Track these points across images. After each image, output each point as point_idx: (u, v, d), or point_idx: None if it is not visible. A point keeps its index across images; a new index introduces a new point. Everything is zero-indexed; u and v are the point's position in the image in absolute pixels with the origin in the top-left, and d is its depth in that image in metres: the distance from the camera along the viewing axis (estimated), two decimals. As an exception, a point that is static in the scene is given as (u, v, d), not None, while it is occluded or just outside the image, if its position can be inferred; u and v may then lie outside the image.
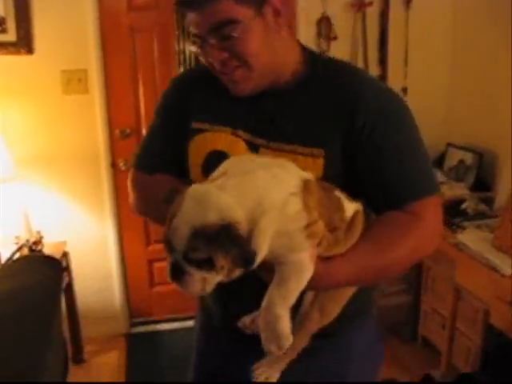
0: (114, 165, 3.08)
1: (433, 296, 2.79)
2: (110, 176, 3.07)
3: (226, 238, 0.83)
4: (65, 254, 2.82)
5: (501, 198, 2.82)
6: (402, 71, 3.16)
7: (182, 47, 3.09)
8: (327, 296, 1.04)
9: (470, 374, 2.06)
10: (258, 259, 0.85)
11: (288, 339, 0.89)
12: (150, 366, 2.96)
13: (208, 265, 0.85)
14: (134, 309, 3.40)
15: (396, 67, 3.15)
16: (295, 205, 0.88)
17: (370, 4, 3.03)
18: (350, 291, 1.07)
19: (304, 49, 1.13)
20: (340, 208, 0.98)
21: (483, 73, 2.97)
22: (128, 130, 3.08)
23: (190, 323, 2.97)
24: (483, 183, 2.91)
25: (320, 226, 0.90)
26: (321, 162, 1.03)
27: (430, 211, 1.03)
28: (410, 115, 1.08)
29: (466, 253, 2.15)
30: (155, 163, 1.20)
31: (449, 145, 3.15)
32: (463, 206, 2.67)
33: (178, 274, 0.88)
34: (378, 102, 1.04)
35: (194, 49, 1.06)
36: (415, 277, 2.93)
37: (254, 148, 1.08)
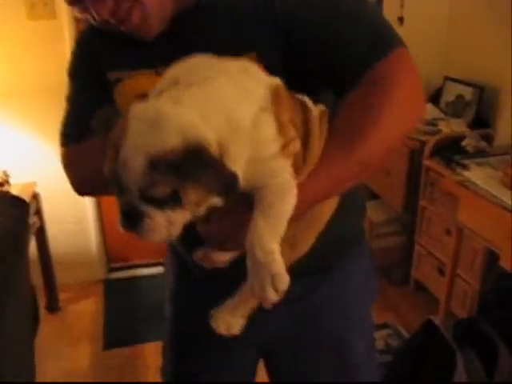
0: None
1: (428, 237, 2.68)
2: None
3: (195, 163, 0.67)
4: (35, 196, 2.65)
5: (500, 135, 2.70)
6: (398, -1, 2.95)
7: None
8: (297, 226, 0.87)
9: (471, 319, 1.96)
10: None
11: (285, 279, 0.74)
12: (129, 314, 2.85)
13: (172, 201, 0.69)
14: (111, 253, 3.30)
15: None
16: (268, 127, 0.75)
17: None
18: (322, 218, 0.93)
19: None
20: (307, 109, 0.86)
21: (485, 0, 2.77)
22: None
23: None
24: (481, 120, 2.76)
25: (297, 145, 0.79)
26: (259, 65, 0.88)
27: (399, 70, 0.84)
28: None
29: (471, 191, 2.01)
30: (84, 129, 0.97)
31: (446, 78, 2.97)
32: (463, 143, 2.53)
33: (133, 219, 0.71)
34: None
35: (79, 14, 0.95)
36: (409, 217, 2.80)
37: None
